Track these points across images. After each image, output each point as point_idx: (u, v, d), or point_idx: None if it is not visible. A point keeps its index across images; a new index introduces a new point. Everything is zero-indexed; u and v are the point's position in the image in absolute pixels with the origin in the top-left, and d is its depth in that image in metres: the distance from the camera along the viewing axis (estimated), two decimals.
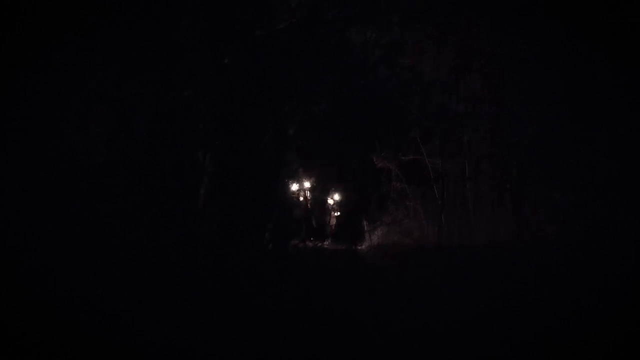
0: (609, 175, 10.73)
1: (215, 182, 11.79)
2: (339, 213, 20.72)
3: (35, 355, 5.84)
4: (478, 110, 16.39)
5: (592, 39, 10.34)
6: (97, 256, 8.68)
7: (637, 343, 6.11)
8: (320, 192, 20.11)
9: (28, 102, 8.80)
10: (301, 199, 19.53)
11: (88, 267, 8.34)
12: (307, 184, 19.48)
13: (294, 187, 19.14)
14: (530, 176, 13.93)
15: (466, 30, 13.98)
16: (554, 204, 12.45)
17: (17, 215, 8.31)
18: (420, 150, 18.79)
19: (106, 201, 9.51)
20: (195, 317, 7.39)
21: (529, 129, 13.14)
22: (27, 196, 8.53)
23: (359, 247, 18.16)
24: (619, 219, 10.24)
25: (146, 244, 9.54)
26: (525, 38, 12.20)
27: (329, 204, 20.75)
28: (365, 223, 20.26)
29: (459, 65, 15.77)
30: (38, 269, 7.83)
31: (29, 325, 6.30)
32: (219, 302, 8.26)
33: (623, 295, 7.90)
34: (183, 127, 10.86)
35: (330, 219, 20.71)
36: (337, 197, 20.63)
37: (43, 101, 9.02)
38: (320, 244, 18.19)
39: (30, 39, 8.59)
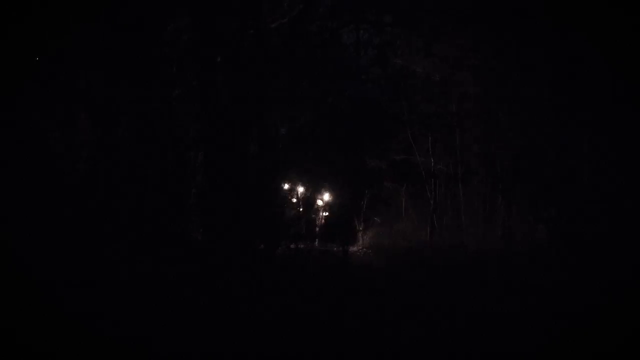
0: (605, 177, 10.76)
1: (207, 182, 11.74)
2: (332, 214, 20.67)
3: (31, 355, 5.80)
4: (470, 110, 16.39)
5: (587, 47, 10.38)
6: (89, 258, 8.65)
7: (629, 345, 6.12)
8: (312, 192, 20.07)
9: (17, 107, 8.76)
10: (294, 200, 19.49)
11: (79, 269, 8.30)
12: (299, 184, 19.45)
13: (286, 186, 19.09)
14: (522, 181, 13.93)
15: (460, 32, 13.95)
16: (545, 206, 12.50)
17: (9, 219, 8.27)
18: (412, 149, 18.77)
19: (98, 202, 9.50)
20: (188, 316, 7.34)
21: (525, 132, 13.18)
22: (20, 200, 8.50)
23: (351, 247, 18.08)
24: (616, 221, 10.27)
25: (139, 245, 9.51)
26: (520, 41, 12.19)
27: (321, 204, 20.70)
28: (357, 223, 20.22)
29: (452, 65, 15.74)
30: (31, 271, 7.79)
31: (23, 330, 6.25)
32: (210, 301, 8.21)
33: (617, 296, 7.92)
34: (175, 126, 10.83)
35: (322, 219, 20.66)
36: (329, 197, 20.57)
37: (31, 106, 8.99)
38: (312, 244, 18.13)
39: (18, 45, 8.54)
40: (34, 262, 8.08)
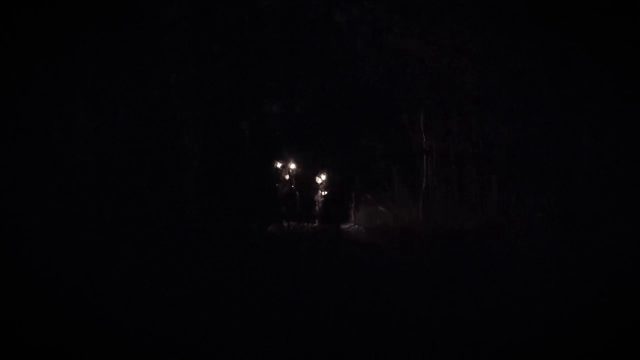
0: (605, 165, 10.82)
1: (200, 160, 11.76)
2: (325, 192, 20.69)
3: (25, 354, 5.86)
4: (467, 94, 16.25)
5: (581, 42, 10.41)
6: (84, 248, 8.69)
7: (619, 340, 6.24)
8: (305, 171, 20.06)
9: (12, 101, 8.72)
10: (286, 177, 19.48)
11: (74, 260, 8.35)
12: (291, 164, 19.44)
13: (278, 165, 19.10)
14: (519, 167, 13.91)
15: (458, 19, 13.85)
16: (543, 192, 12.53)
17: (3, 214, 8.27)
18: (405, 127, 18.68)
19: (97, 190, 9.53)
20: (183, 300, 7.43)
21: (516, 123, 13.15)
22: (17, 194, 8.50)
23: (342, 225, 18.18)
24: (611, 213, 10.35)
25: (135, 232, 9.58)
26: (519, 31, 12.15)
27: (314, 183, 20.72)
28: (349, 201, 20.25)
29: (449, 47, 15.62)
30: (26, 265, 7.82)
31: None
32: (205, 282, 8.31)
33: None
34: (169, 110, 10.83)
35: (315, 198, 20.70)
36: (322, 176, 20.57)
37: (28, 99, 8.94)
38: (305, 223, 18.23)
39: (13, 37, 8.47)
40: (34, 252, 8.13)
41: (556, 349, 6.14)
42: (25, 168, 8.78)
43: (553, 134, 11.51)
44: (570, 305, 7.44)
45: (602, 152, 10.56)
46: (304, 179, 20.17)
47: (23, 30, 8.59)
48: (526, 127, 12.16)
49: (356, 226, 18.59)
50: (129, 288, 7.80)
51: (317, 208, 20.22)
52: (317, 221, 18.86)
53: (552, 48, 11.00)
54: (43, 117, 9.31)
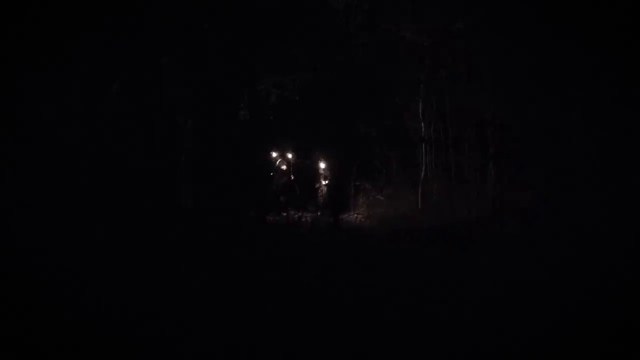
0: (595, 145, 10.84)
1: (196, 150, 11.74)
2: (324, 181, 20.66)
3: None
4: (461, 76, 16.20)
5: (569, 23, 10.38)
6: (84, 248, 8.71)
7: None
8: (301, 159, 20.03)
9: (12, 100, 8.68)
10: (283, 167, 19.44)
11: (74, 260, 8.36)
12: (289, 150, 19.40)
13: (274, 154, 19.08)
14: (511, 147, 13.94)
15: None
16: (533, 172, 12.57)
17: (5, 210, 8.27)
18: (402, 115, 18.65)
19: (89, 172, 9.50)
20: (183, 300, 7.46)
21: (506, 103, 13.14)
22: (17, 191, 8.50)
23: (341, 215, 18.16)
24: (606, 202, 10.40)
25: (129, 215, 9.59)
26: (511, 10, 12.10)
27: (313, 172, 20.68)
28: (347, 189, 20.25)
29: (443, 30, 15.58)
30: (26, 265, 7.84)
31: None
32: (205, 281, 8.34)
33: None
34: (161, 94, 10.78)
35: (314, 187, 20.68)
36: (321, 165, 20.52)
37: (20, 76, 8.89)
38: (303, 213, 18.24)
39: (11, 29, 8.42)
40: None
41: (556, 349, 6.16)
42: (25, 168, 8.77)
43: (551, 132, 11.53)
44: (570, 305, 7.46)
45: (601, 152, 10.58)
46: (303, 169, 20.12)
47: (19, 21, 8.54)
48: (526, 127, 12.18)
49: (355, 215, 18.60)
50: (129, 288, 7.81)
51: (315, 198, 20.19)
52: (316, 211, 18.84)
53: (552, 48, 10.99)
54: (37, 101, 9.26)
